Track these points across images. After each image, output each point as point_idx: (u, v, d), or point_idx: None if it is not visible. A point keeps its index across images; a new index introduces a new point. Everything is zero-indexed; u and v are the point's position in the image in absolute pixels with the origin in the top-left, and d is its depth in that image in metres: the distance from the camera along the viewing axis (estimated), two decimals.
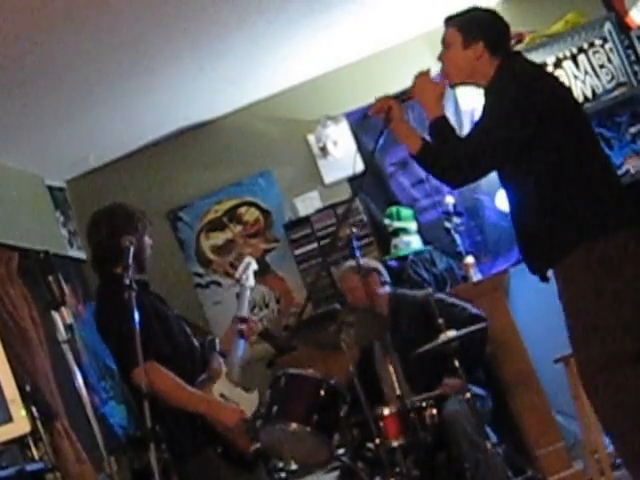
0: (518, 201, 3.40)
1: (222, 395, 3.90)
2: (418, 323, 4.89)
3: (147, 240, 4.03)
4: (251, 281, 4.41)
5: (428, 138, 3.44)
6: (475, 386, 4.98)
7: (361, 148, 6.31)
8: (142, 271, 3.95)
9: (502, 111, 3.25)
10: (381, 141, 3.58)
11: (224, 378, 3.97)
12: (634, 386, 3.19)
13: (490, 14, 3.50)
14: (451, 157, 3.30)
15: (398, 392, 3.99)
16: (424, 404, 4.53)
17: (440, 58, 3.49)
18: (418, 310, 5.05)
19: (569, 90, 3.49)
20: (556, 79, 3.51)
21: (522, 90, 3.26)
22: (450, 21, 3.47)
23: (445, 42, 3.48)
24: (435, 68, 3.53)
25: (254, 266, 4.47)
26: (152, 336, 3.74)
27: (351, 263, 5.24)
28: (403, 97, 3.56)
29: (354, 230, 4.24)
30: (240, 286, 4.36)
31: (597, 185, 3.28)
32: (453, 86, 3.53)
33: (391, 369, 3.91)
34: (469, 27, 3.42)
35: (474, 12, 3.48)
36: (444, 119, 3.38)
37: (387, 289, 5.30)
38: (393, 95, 3.58)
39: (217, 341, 4.11)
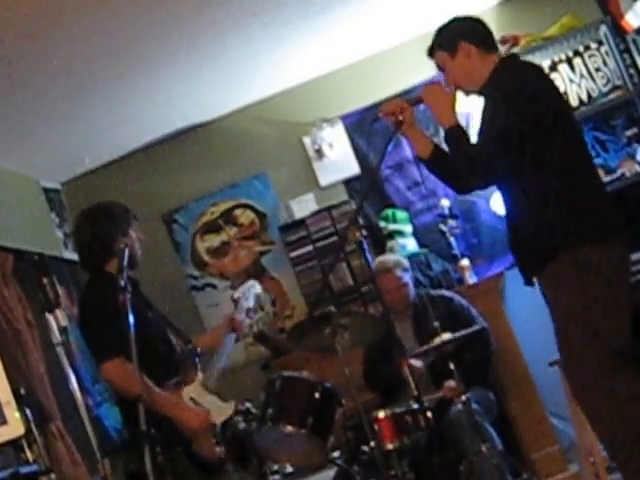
0: (510, 207, 3.42)
1: (192, 399, 3.92)
2: (444, 320, 4.86)
3: (134, 235, 4.04)
4: (250, 302, 4.41)
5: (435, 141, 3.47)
6: (483, 389, 5.01)
7: (356, 150, 6.33)
8: (133, 267, 3.95)
9: (503, 119, 3.26)
10: (385, 144, 3.60)
11: (198, 384, 3.98)
12: (624, 390, 3.19)
13: (457, 19, 3.55)
14: (463, 165, 3.30)
15: (415, 392, 3.98)
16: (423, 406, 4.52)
17: (447, 82, 3.51)
18: (444, 308, 5.13)
19: (562, 95, 3.50)
20: (551, 83, 3.52)
21: (520, 95, 3.27)
22: (432, 49, 3.52)
23: (440, 67, 3.52)
24: (431, 72, 3.55)
25: (257, 289, 4.49)
26: (119, 337, 3.64)
27: (394, 258, 5.31)
28: (413, 100, 3.55)
29: (364, 232, 4.24)
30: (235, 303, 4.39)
31: (583, 191, 3.29)
32: (467, 94, 3.53)
33: (407, 370, 3.90)
34: (446, 39, 3.49)
35: (443, 27, 3.54)
36: (459, 127, 3.39)
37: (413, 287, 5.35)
38: (404, 99, 3.59)
39: (198, 350, 4.12)
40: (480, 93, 3.46)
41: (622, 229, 3.29)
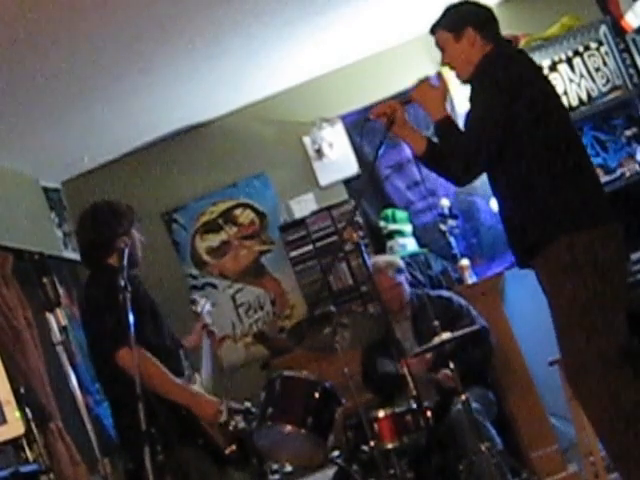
0: (504, 195, 3.43)
1: None
2: (444, 320, 4.86)
3: (136, 235, 4.06)
4: (208, 319, 4.51)
5: (432, 139, 3.47)
6: (482, 389, 5.02)
7: (356, 150, 6.33)
8: (134, 266, 3.96)
9: (490, 109, 3.27)
10: (377, 146, 3.60)
11: (199, 384, 4.05)
12: (624, 385, 3.19)
13: (472, 2, 3.53)
14: (455, 155, 3.32)
15: (414, 392, 3.97)
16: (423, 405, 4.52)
17: (444, 62, 3.51)
18: (443, 308, 5.11)
19: (549, 82, 3.50)
20: (537, 70, 3.52)
21: (507, 83, 3.28)
22: (435, 27, 3.51)
23: (440, 46, 3.52)
24: (431, 71, 3.55)
25: (208, 307, 4.59)
26: (143, 326, 3.75)
27: (386, 259, 5.32)
28: (404, 100, 3.56)
29: (360, 234, 4.24)
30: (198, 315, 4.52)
31: (579, 179, 3.30)
32: (465, 82, 3.53)
33: (406, 370, 3.89)
34: (453, 21, 3.47)
35: (454, 8, 3.52)
36: (448, 119, 3.40)
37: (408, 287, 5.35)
38: (394, 98, 3.60)
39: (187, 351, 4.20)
40: (467, 82, 3.47)
41: (616, 215, 3.30)
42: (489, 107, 3.28)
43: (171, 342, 4.02)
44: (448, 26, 3.47)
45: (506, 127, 3.25)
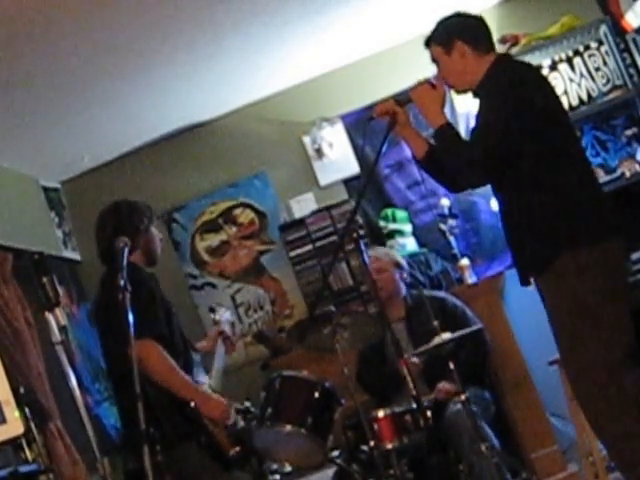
0: (506, 207, 3.42)
1: None
2: (439, 322, 4.86)
3: (155, 232, 4.16)
4: (228, 330, 4.55)
5: (433, 142, 3.47)
6: (479, 389, 5.00)
7: (356, 150, 6.33)
8: (153, 263, 4.04)
9: (497, 115, 3.26)
10: (380, 144, 3.59)
11: (207, 386, 4.05)
12: (625, 392, 3.19)
13: (459, 15, 3.54)
14: (455, 164, 3.31)
15: (413, 392, 3.96)
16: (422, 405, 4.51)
17: (440, 76, 3.51)
18: (437, 310, 5.09)
19: (557, 95, 3.50)
20: (546, 82, 3.52)
21: (516, 93, 3.27)
22: (428, 41, 3.52)
23: (434, 60, 3.52)
24: (431, 72, 3.55)
25: (228, 316, 4.66)
26: (159, 320, 3.84)
27: (388, 251, 5.38)
28: (404, 99, 3.56)
29: (361, 233, 4.25)
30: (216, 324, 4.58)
31: (580, 194, 3.29)
32: (459, 93, 3.54)
33: (405, 370, 3.88)
34: (442, 35, 3.48)
35: (443, 22, 3.53)
36: (449, 126, 3.39)
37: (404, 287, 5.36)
38: (396, 97, 3.60)
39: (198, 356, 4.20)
40: (475, 94, 3.46)
41: (620, 229, 3.29)
42: (496, 116, 3.26)
43: (181, 342, 4.03)
44: (438, 40, 3.49)
45: (514, 136, 3.24)
